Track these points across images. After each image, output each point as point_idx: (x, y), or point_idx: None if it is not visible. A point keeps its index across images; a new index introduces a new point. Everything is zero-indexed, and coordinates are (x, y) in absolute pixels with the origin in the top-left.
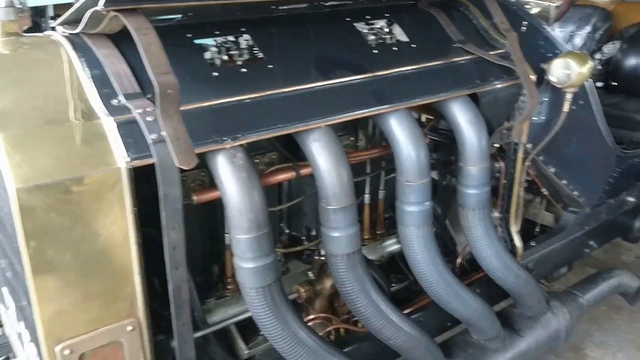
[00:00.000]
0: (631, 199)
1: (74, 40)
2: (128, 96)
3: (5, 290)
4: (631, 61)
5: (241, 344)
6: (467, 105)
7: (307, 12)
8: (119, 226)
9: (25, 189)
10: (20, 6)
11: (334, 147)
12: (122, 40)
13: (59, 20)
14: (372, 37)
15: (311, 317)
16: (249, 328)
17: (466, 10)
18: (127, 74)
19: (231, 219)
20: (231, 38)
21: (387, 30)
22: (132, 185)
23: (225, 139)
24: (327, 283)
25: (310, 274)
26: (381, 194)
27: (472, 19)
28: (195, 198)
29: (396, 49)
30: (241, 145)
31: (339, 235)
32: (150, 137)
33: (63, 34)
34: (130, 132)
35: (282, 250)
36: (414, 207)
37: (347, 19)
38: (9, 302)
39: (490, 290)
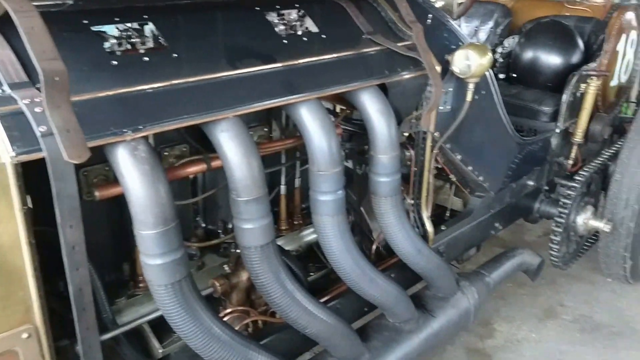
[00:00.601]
0: (531, 183)
1: None
2: (13, 86)
3: None
4: (528, 54)
5: (155, 343)
6: (376, 96)
7: (215, 0)
8: (8, 226)
9: None
10: None
11: (243, 137)
12: (5, 25)
13: None
14: (282, 27)
15: (228, 310)
16: (164, 326)
17: (374, 2)
18: (13, 61)
19: (135, 214)
20: (133, 25)
21: (297, 20)
22: (21, 181)
23: (125, 130)
24: (244, 276)
25: (226, 267)
26: (297, 183)
27: (381, 11)
28: (97, 194)
29: (306, 39)
30: (144, 137)
31: (251, 227)
32: (39, 130)
33: None
34: (16, 124)
35: (198, 245)
36: (327, 196)
37: (256, 8)
38: None
39: (404, 274)
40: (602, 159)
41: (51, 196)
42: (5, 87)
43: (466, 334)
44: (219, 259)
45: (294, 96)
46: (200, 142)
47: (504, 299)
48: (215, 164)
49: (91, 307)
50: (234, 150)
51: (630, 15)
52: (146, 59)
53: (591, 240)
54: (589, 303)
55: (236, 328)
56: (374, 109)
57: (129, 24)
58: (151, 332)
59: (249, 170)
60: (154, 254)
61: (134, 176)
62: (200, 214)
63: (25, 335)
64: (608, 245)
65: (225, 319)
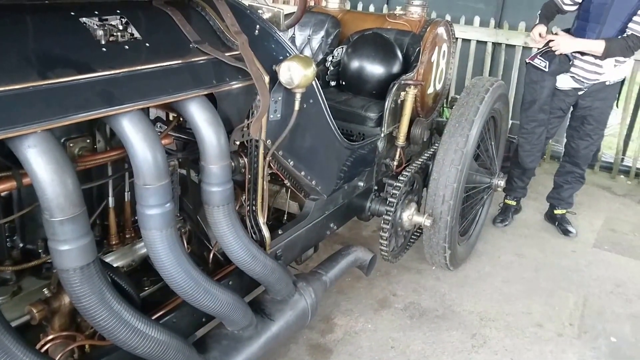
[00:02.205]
0: (361, 184)
1: None
2: None
3: None
4: (354, 64)
5: None
6: (203, 105)
7: (24, 3)
8: None
9: None
10: None
11: (54, 153)
12: None
13: None
14: (101, 33)
15: (49, 337)
16: None
17: (203, 11)
18: None
19: None
20: None
21: (118, 27)
22: None
23: None
24: (66, 298)
25: (46, 291)
26: (127, 196)
27: (209, 20)
28: None
29: (128, 47)
30: None
31: (68, 248)
32: None
33: None
34: None
35: (14, 268)
36: (154, 209)
37: (71, 14)
38: None
39: (243, 280)
40: (422, 160)
41: None
42: None
43: (309, 331)
44: (40, 281)
45: (114, 107)
46: (7, 157)
47: (343, 293)
48: (27, 180)
49: None
50: (43, 167)
51: (441, 30)
52: None
53: (417, 234)
54: (417, 291)
55: (59, 355)
56: (202, 119)
57: None
58: None
59: (62, 188)
60: None
61: None
62: (17, 232)
63: None
64: (430, 238)
65: (46, 347)
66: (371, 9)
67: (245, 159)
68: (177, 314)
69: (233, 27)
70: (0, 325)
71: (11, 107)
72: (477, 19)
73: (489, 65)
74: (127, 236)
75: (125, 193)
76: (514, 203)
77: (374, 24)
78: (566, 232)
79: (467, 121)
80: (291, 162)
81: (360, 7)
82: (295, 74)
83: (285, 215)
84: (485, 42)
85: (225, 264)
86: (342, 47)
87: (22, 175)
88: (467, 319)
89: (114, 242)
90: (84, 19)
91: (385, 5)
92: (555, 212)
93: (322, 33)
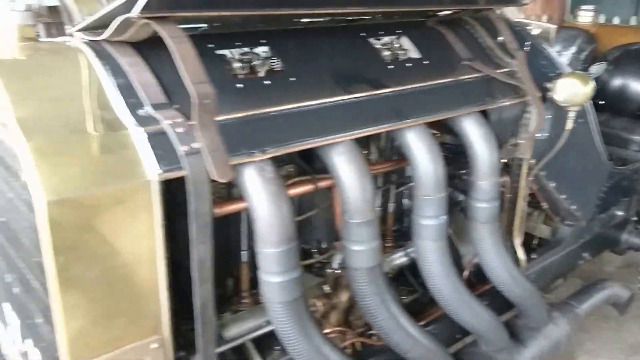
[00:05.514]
0: (620, 213)
1: (96, 47)
2: (156, 106)
3: (6, 306)
4: (617, 81)
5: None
6: (479, 121)
7: (323, 26)
8: (147, 241)
9: (56, 201)
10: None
11: (358, 161)
12: (143, 49)
13: (79, 26)
14: (387, 53)
15: (327, 331)
16: (265, 342)
17: (472, 29)
18: (153, 83)
19: (260, 232)
20: (251, 49)
21: (399, 46)
22: (162, 198)
23: (254, 151)
24: (343, 296)
25: (326, 287)
26: (391, 207)
27: (478, 37)
28: (216, 211)
29: (410, 65)
30: (269, 158)
31: (361, 249)
32: (182, 149)
33: (82, 40)
34: (159, 143)
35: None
36: (431, 220)
37: (361, 34)
38: (11, 318)
39: (495, 302)
40: None
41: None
42: (148, 108)
43: None
44: (313, 278)
45: (405, 121)
46: (307, 163)
47: (587, 331)
48: (322, 184)
49: (212, 322)
50: (349, 173)
51: None
52: (267, 82)
53: None
54: None
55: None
56: (477, 135)
57: (247, 48)
58: (254, 347)
59: (362, 193)
60: (275, 271)
61: (262, 196)
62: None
63: (154, 346)
64: None
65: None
66: (615, 21)
67: (507, 178)
68: (436, 325)
69: (511, 44)
70: (307, 313)
71: (324, 118)
72: None
73: None
74: (386, 245)
75: (389, 204)
76: None
77: (636, 37)
78: None
79: None
80: (553, 184)
81: (616, 20)
82: (575, 91)
83: (536, 240)
84: None
85: (475, 284)
86: (599, 64)
87: (318, 179)
88: None
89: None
90: (371, 40)
91: (634, 17)
92: None
93: (574, 49)
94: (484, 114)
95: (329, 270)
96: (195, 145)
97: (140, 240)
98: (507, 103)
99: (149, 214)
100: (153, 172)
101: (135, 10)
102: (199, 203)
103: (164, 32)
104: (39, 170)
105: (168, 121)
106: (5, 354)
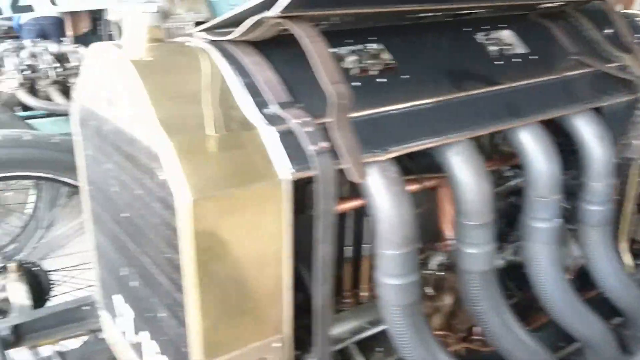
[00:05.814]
0: None
1: (220, 47)
2: (283, 105)
3: (118, 298)
4: None
5: None
6: (594, 119)
7: (429, 22)
8: (275, 240)
9: (200, 200)
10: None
11: (477, 161)
12: (264, 48)
13: (205, 25)
14: (493, 48)
15: None
16: (362, 342)
17: (576, 22)
18: (278, 82)
19: (382, 233)
20: (364, 47)
21: (505, 41)
22: (293, 197)
23: (376, 151)
24: (447, 299)
25: (430, 290)
26: None
27: (582, 30)
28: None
29: (518, 60)
30: (392, 158)
31: (476, 251)
32: (312, 148)
33: (204, 40)
34: (288, 142)
35: None
36: (544, 223)
37: (466, 29)
38: (124, 310)
39: (600, 310)
40: None
41: None
42: (273, 107)
43: None
44: None
45: (521, 119)
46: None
47: None
48: (428, 184)
49: (329, 322)
50: (467, 174)
51: None
52: (382, 80)
53: None
54: None
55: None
56: (591, 134)
57: (359, 46)
58: (356, 349)
59: (481, 195)
60: (396, 274)
61: (386, 196)
62: None
63: (276, 345)
64: None
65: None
66: None
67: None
68: (542, 333)
69: (625, 38)
70: (423, 317)
71: (442, 116)
72: None
73: None
74: None
75: None
76: None
77: None
78: None
79: None
80: None
81: None
82: None
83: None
84: None
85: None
86: None
87: (424, 179)
88: None
89: None
90: (477, 34)
91: None
92: None
93: None
94: (596, 111)
95: (426, 272)
96: (323, 144)
97: (269, 240)
98: (621, 100)
99: (279, 213)
100: (285, 171)
101: (276, 10)
102: (327, 203)
103: (300, 31)
104: (183, 166)
105: (297, 120)
106: (112, 342)
